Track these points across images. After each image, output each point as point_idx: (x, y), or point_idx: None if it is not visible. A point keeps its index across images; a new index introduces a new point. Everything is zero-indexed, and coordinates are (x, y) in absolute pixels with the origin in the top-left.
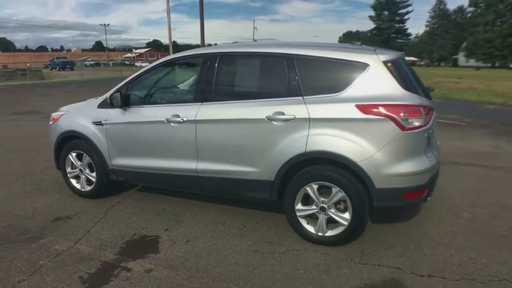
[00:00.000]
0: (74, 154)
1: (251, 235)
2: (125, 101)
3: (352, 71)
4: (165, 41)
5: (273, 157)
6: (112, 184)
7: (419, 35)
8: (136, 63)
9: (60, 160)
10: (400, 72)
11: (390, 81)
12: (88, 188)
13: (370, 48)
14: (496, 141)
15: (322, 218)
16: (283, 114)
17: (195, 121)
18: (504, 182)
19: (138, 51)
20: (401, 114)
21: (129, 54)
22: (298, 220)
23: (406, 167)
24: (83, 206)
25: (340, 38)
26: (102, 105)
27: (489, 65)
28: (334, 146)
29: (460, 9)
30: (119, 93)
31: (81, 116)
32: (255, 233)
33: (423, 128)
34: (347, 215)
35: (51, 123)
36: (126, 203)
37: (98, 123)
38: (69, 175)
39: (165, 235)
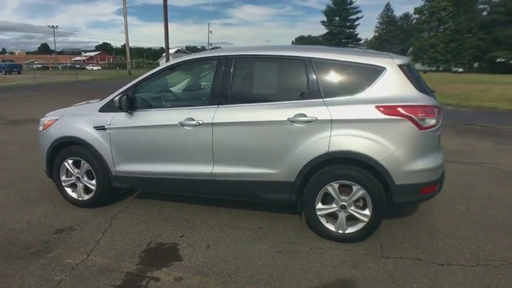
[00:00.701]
0: (70, 161)
1: (269, 236)
2: (132, 104)
3: (370, 74)
4: (115, 44)
5: (295, 158)
6: (111, 192)
7: (368, 40)
8: (87, 67)
9: (54, 168)
10: (413, 74)
11: (405, 83)
12: (86, 197)
13: (383, 52)
14: (463, 139)
15: (342, 215)
16: (305, 116)
17: (212, 124)
18: (485, 176)
19: (87, 54)
20: (420, 115)
21: (78, 58)
22: (318, 219)
23: (422, 163)
24: (83, 216)
25: (293, 42)
26: (104, 109)
27: (434, 68)
28: (356, 145)
29: (406, 16)
30: (125, 97)
31: (79, 121)
32: (273, 234)
33: (436, 127)
34: (367, 212)
35: (41, 129)
36: (130, 211)
37: (100, 128)
38: (63, 184)
39: (183, 241)
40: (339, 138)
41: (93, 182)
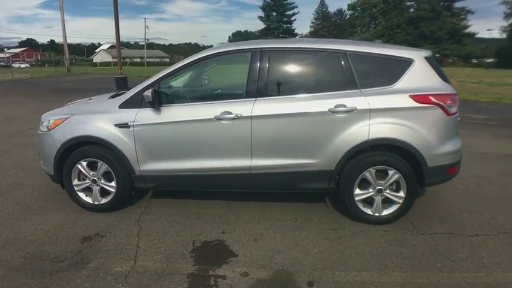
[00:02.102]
0: (84, 163)
1: (309, 225)
2: (160, 99)
3: (400, 65)
4: (40, 39)
5: (335, 147)
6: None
7: (303, 35)
8: (14, 65)
9: (64, 172)
10: (435, 65)
11: (432, 73)
12: (103, 201)
13: (407, 47)
14: None
15: (378, 199)
16: (345, 106)
17: (251, 117)
18: (465, 159)
19: (12, 51)
20: (448, 102)
21: (1, 55)
22: (356, 204)
23: (449, 146)
24: (104, 221)
25: (229, 37)
26: (126, 106)
27: None
28: (394, 132)
29: (340, 12)
30: (152, 91)
31: (96, 119)
32: (310, 223)
33: (457, 114)
34: (401, 194)
35: (45, 129)
36: (153, 212)
37: (122, 126)
38: (76, 188)
39: (227, 238)
40: (377, 126)
41: (112, 183)
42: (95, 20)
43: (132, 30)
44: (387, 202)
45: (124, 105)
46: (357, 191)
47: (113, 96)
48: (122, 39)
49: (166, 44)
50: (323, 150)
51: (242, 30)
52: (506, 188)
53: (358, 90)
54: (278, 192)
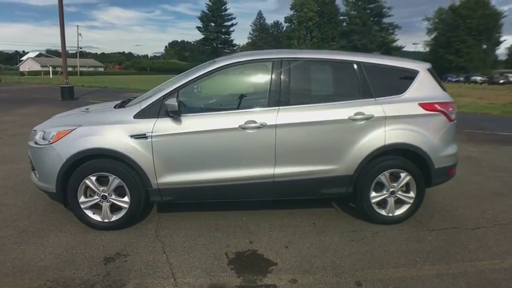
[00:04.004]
0: (93, 178)
1: (330, 229)
2: (180, 108)
3: (408, 76)
4: None
5: (354, 153)
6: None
7: (241, 46)
8: None
9: (69, 189)
10: (436, 77)
11: (434, 83)
12: (114, 218)
13: (409, 59)
14: None
15: (391, 200)
16: (363, 114)
17: (276, 126)
18: None
19: None
20: (449, 109)
21: None
22: (372, 206)
23: (450, 149)
24: (118, 239)
25: (166, 47)
26: (141, 115)
27: None
28: (407, 137)
29: (276, 24)
30: (174, 100)
31: (109, 130)
32: (329, 227)
33: (455, 120)
34: (412, 194)
35: (44, 142)
36: (168, 226)
37: (139, 137)
38: (82, 206)
39: (258, 247)
40: (392, 132)
41: (125, 199)
42: (19, 26)
43: (59, 38)
44: (399, 203)
45: (140, 115)
46: (373, 193)
47: (119, 106)
48: (48, 47)
49: (98, 53)
50: (343, 156)
51: (179, 40)
52: (482, 185)
53: (373, 99)
54: (293, 199)
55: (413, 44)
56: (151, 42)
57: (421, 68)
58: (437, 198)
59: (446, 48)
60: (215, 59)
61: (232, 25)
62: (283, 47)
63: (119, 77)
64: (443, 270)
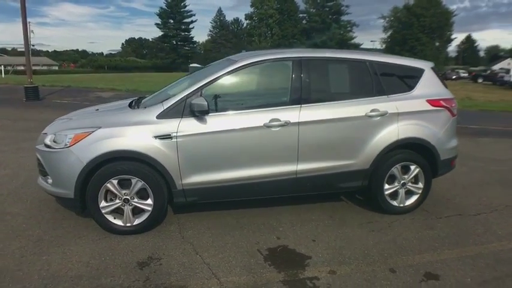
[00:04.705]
0: (115, 181)
1: (348, 222)
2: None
3: (415, 74)
4: None
5: (371, 148)
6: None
7: (200, 43)
8: None
9: (88, 193)
10: (438, 74)
11: (437, 81)
12: (137, 221)
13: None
14: None
15: (402, 192)
16: (378, 110)
17: (298, 123)
18: None
19: None
20: (452, 105)
21: None
22: (385, 198)
23: (453, 142)
24: (144, 243)
25: (122, 44)
26: (165, 115)
27: None
28: (417, 132)
29: (237, 21)
30: (203, 99)
31: (132, 131)
32: (347, 219)
33: (457, 115)
34: (420, 185)
35: (60, 146)
36: (191, 227)
37: (164, 137)
38: (103, 211)
39: (287, 242)
40: (404, 127)
41: (148, 201)
42: None
43: (10, 34)
44: (408, 194)
45: (163, 115)
46: (386, 186)
47: (134, 106)
48: None
49: (50, 51)
50: (360, 151)
51: (136, 37)
52: (469, 175)
53: (386, 96)
54: (302, 195)
55: (371, 41)
56: (106, 40)
57: (426, 66)
58: (435, 188)
59: (401, 45)
60: (229, 57)
61: (192, 22)
62: (244, 44)
63: (77, 75)
64: (461, 253)
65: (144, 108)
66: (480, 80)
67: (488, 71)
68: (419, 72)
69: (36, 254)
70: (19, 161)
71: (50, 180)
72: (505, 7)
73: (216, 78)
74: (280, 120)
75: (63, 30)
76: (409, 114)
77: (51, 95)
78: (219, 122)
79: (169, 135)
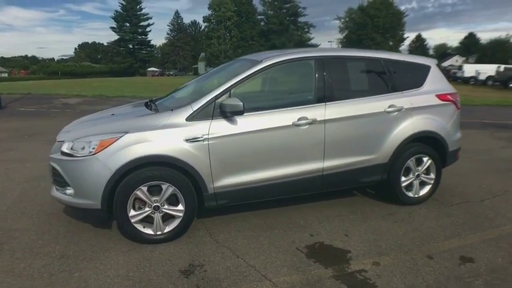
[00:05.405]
0: (144, 188)
1: (369, 215)
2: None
3: (423, 71)
4: None
5: (389, 142)
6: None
7: (158, 46)
8: None
9: (116, 203)
10: (442, 71)
11: (442, 77)
12: (167, 229)
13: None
14: None
15: (416, 183)
16: (395, 106)
17: (324, 121)
18: None
19: None
20: (457, 99)
21: None
22: (402, 190)
23: (458, 134)
24: (178, 250)
25: (75, 49)
26: (194, 118)
27: None
28: (429, 125)
29: (194, 24)
30: (237, 99)
31: (162, 135)
32: (368, 213)
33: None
34: (432, 175)
35: (84, 153)
36: (220, 231)
37: (194, 140)
38: (132, 220)
39: (322, 238)
40: (418, 121)
41: (179, 207)
42: None
43: None
44: (422, 184)
45: (193, 117)
46: (402, 178)
47: (151, 107)
48: None
49: None
50: (380, 145)
51: (89, 42)
52: (461, 165)
53: (400, 92)
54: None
55: (329, 42)
56: (57, 44)
57: (432, 63)
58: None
59: (357, 45)
60: (246, 57)
61: (148, 25)
62: (204, 46)
63: (31, 82)
64: (483, 237)
65: (171, 111)
66: None
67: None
68: (426, 69)
69: (65, 272)
70: (6, 174)
71: (69, 191)
72: (450, 7)
73: (243, 78)
74: (307, 119)
75: (10, 35)
76: (421, 109)
77: (12, 103)
78: (249, 122)
79: (201, 137)
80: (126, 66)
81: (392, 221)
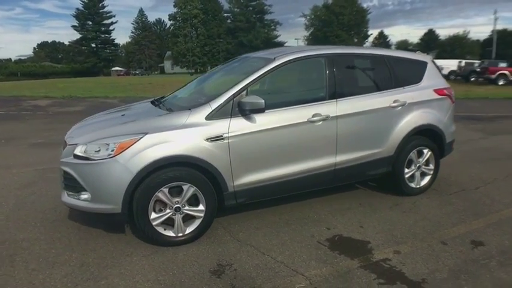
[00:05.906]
0: (165, 190)
1: (377, 206)
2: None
3: (421, 67)
4: None
5: (394, 135)
6: None
7: (121, 45)
8: None
9: (136, 206)
10: (437, 66)
11: (437, 72)
12: (188, 230)
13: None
14: None
15: (417, 174)
16: (399, 101)
17: (337, 117)
18: None
19: None
20: (452, 93)
21: None
22: (405, 181)
23: (453, 126)
24: (202, 251)
25: (34, 48)
26: (214, 116)
27: (193, 71)
28: (429, 119)
29: (159, 22)
30: (257, 97)
31: (183, 135)
32: (375, 204)
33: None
34: (431, 166)
35: (102, 156)
36: (240, 229)
37: (215, 139)
38: (153, 223)
39: (339, 231)
40: (420, 115)
41: (200, 207)
42: None
43: None
44: (422, 175)
45: (212, 116)
46: (406, 170)
47: (160, 105)
48: None
49: None
50: (387, 139)
51: (49, 41)
52: (449, 156)
53: (402, 88)
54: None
55: (295, 39)
56: (14, 44)
57: (428, 59)
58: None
59: (323, 42)
60: (254, 55)
61: (112, 23)
62: (170, 45)
63: None
64: (486, 221)
65: (190, 110)
66: None
67: None
68: (423, 65)
69: (90, 280)
70: None
71: (85, 196)
72: (409, 5)
73: (259, 76)
74: (321, 115)
75: None
76: (421, 103)
77: None
78: (267, 119)
79: (221, 136)
80: (90, 65)
81: (400, 211)
